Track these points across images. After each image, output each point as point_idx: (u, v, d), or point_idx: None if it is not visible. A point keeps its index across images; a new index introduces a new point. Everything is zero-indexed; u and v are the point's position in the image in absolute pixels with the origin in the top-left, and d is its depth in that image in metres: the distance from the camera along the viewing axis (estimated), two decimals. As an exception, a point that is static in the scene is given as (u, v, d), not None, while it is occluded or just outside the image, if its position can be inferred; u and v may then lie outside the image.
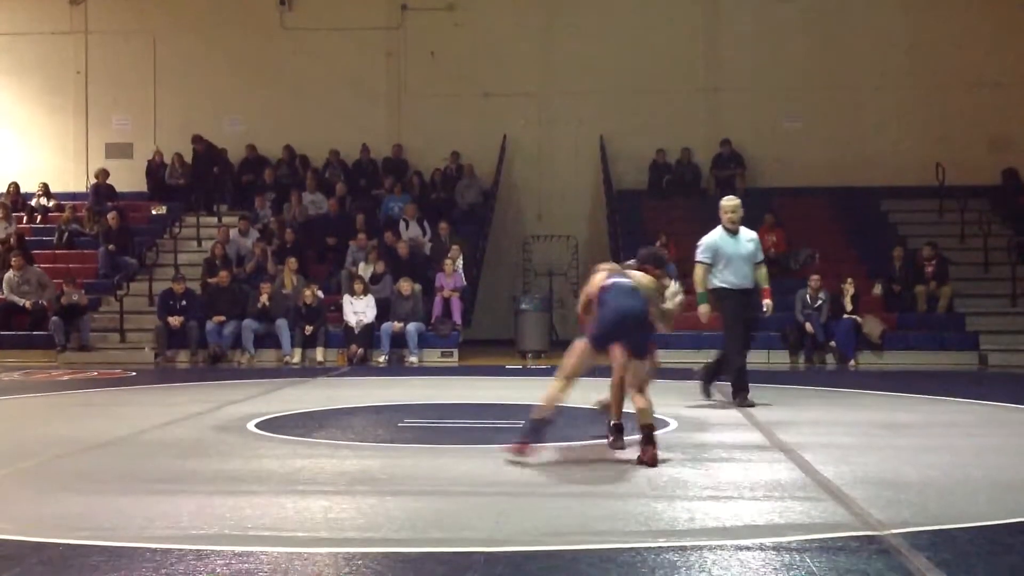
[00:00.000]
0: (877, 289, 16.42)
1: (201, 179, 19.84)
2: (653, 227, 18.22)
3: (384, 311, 15.83)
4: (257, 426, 8.48)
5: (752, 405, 9.38)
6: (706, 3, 20.15)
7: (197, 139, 19.89)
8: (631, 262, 7.13)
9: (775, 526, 5.01)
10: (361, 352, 15.37)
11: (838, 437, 7.31)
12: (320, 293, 16.06)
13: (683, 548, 4.60)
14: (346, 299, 15.81)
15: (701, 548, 4.61)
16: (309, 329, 15.53)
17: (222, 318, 15.65)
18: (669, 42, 20.06)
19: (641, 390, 6.59)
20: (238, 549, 4.58)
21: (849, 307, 15.30)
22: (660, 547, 4.60)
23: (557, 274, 19.95)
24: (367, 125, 20.38)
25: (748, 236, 9.66)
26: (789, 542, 4.69)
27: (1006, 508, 5.40)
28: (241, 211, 19.05)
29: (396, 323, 15.60)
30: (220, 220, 19.19)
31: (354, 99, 20.48)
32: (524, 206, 20.63)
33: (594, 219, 20.24)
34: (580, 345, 6.76)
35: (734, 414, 9.14)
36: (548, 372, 14.13)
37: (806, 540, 4.71)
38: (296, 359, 15.44)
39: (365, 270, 16.51)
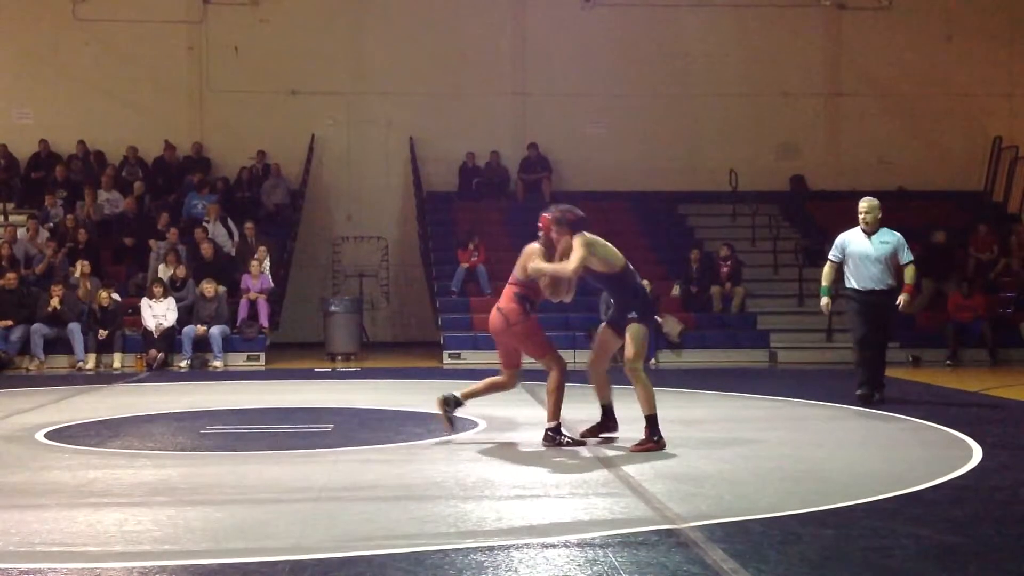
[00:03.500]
0: (675, 290, 17.03)
1: None
2: (463, 229, 18.34)
3: (187, 314, 15.33)
4: (47, 436, 8.05)
5: (872, 401, 9.78)
6: (515, 8, 20.39)
7: None
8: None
9: (580, 523, 5.12)
10: (162, 357, 14.81)
11: (639, 434, 7.52)
12: (116, 296, 15.40)
13: (491, 548, 4.64)
14: (144, 302, 15.21)
15: (508, 548, 4.66)
16: (104, 333, 14.88)
17: (9, 322, 14.83)
18: (478, 46, 20.22)
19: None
20: (24, 566, 4.34)
21: (650, 308, 15.77)
22: (468, 548, 4.62)
23: (367, 275, 19.79)
24: (168, 122, 19.66)
25: (882, 238, 9.89)
26: (593, 538, 4.80)
27: (795, 499, 5.67)
28: (30, 209, 18.07)
29: (199, 326, 15.12)
30: (7, 218, 18.14)
31: (154, 95, 19.75)
32: (333, 207, 20.37)
33: (404, 220, 20.19)
34: None
35: (541, 415, 9.25)
36: (358, 375, 14.09)
37: (609, 536, 4.83)
38: (90, 365, 14.75)
39: (164, 272, 15.93)
